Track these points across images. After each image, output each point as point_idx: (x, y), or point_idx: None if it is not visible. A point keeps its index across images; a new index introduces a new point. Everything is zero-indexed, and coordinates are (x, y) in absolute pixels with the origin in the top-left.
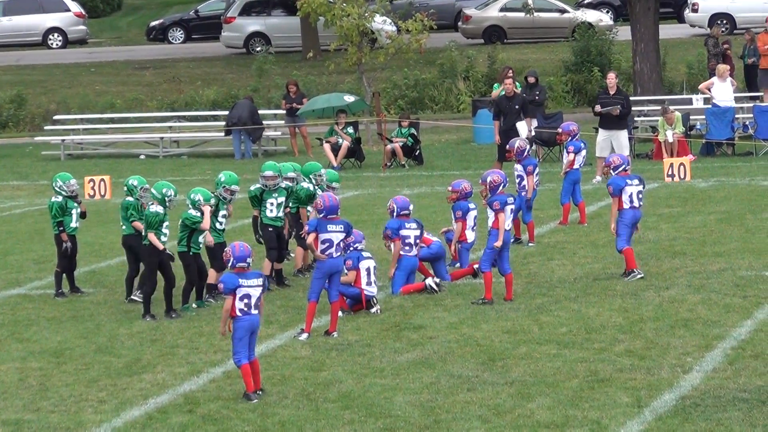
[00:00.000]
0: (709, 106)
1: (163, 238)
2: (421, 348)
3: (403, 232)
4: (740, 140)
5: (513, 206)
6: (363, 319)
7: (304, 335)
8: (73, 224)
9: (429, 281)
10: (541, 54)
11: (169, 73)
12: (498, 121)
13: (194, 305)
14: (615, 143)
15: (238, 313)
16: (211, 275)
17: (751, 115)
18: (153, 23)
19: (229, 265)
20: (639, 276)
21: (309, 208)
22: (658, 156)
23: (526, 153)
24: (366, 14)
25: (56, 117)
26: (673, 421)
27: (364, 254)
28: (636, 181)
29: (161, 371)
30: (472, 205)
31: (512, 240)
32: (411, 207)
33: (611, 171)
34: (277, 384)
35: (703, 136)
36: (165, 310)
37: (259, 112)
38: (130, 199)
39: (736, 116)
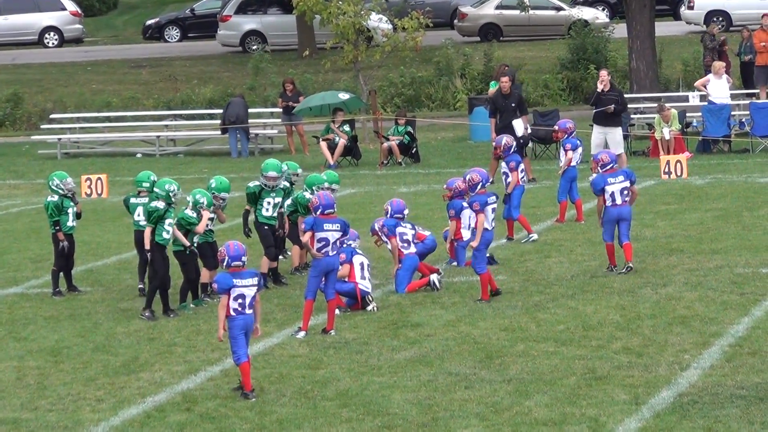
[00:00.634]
0: (705, 103)
1: (166, 235)
2: (418, 346)
3: (399, 230)
4: (737, 137)
5: (494, 206)
6: (360, 317)
7: (302, 333)
8: (70, 223)
9: (434, 277)
10: (537, 51)
11: (166, 72)
12: (494, 118)
13: (192, 305)
14: (610, 140)
15: (232, 313)
16: (204, 275)
17: (748, 112)
18: (149, 22)
19: (224, 264)
20: (621, 272)
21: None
22: (654, 153)
23: (512, 150)
24: (362, 12)
25: (53, 116)
26: (670, 418)
27: (358, 250)
28: (620, 178)
29: (159, 370)
30: (466, 204)
31: (507, 239)
32: (406, 211)
33: (599, 168)
34: (275, 382)
35: (699, 134)
36: (162, 309)
37: (256, 110)
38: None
39: (733, 113)
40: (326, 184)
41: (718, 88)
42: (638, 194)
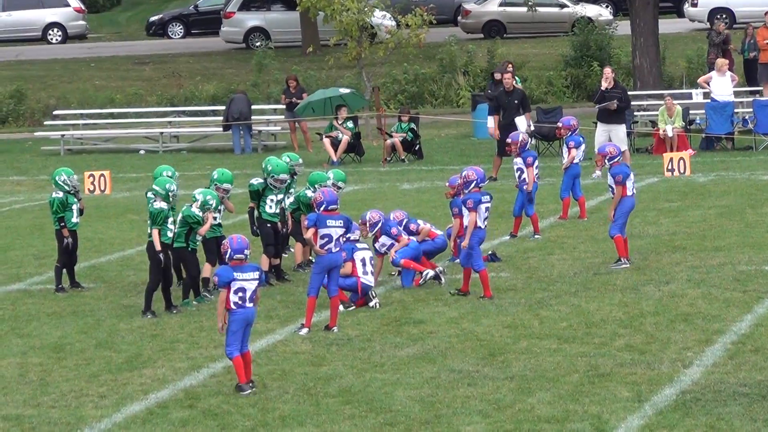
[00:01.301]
0: (709, 100)
1: (170, 234)
2: (421, 343)
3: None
4: (740, 135)
5: (488, 204)
6: (363, 313)
7: (304, 330)
8: (74, 219)
9: (433, 271)
10: (541, 48)
11: (169, 68)
12: (497, 115)
13: (194, 302)
14: (613, 137)
15: (233, 306)
16: (206, 270)
17: (751, 110)
18: (152, 18)
19: (227, 257)
20: (624, 265)
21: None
22: (657, 150)
23: (527, 146)
24: (365, 9)
25: (56, 112)
26: (673, 415)
27: (359, 245)
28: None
29: (162, 366)
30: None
31: (510, 236)
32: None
33: (606, 161)
34: (278, 379)
35: (702, 131)
36: (165, 306)
37: (259, 107)
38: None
39: (736, 111)
40: (330, 182)
41: (721, 85)
42: (640, 191)
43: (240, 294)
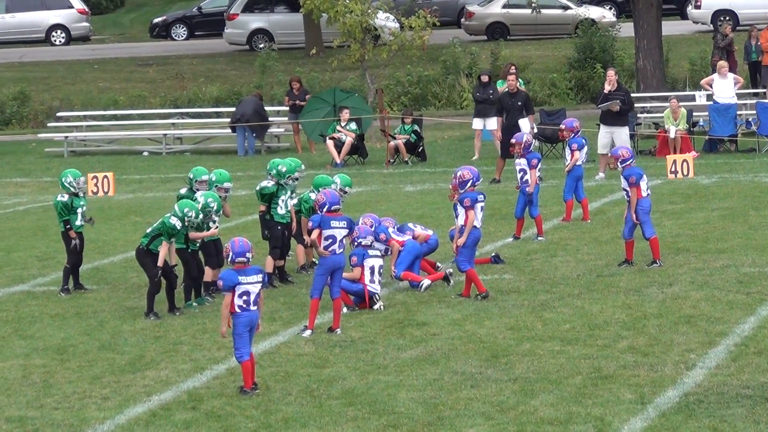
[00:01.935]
0: (712, 102)
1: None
2: (424, 345)
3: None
4: (743, 137)
5: (483, 204)
6: (366, 316)
7: (308, 332)
8: (79, 222)
9: (429, 281)
10: (544, 50)
11: (172, 70)
12: (500, 117)
13: (194, 303)
14: (616, 139)
15: (237, 310)
16: (207, 273)
17: (754, 112)
18: (156, 20)
19: (229, 260)
20: (657, 266)
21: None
22: (661, 152)
23: (531, 147)
24: (369, 11)
25: (59, 114)
26: (676, 417)
27: (371, 252)
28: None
29: (165, 368)
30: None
31: (513, 238)
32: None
33: (618, 164)
34: (281, 381)
35: (706, 133)
36: (168, 308)
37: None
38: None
39: (739, 113)
40: (338, 187)
41: (723, 87)
42: None
43: (245, 297)
